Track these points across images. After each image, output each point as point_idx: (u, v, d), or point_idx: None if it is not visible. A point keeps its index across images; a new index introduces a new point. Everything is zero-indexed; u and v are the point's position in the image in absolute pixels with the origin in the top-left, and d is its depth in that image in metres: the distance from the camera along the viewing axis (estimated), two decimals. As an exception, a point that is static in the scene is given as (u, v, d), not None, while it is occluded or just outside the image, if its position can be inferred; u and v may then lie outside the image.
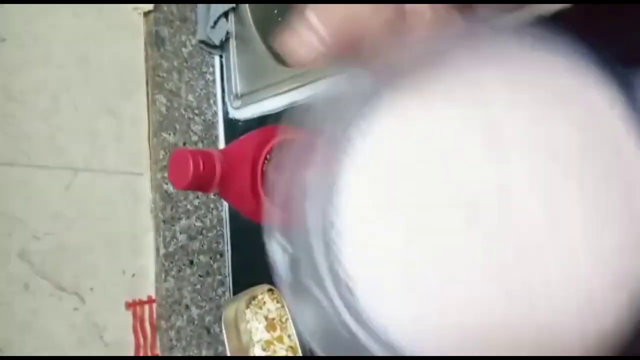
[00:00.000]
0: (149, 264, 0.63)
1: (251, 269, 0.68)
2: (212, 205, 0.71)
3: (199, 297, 0.65)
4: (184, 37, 0.71)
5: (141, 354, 0.60)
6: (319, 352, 0.22)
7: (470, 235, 0.21)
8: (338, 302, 0.22)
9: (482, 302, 0.20)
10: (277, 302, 0.61)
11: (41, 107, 0.59)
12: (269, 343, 0.58)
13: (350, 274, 0.23)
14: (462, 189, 0.21)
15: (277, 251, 0.24)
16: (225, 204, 0.72)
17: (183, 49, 0.71)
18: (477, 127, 0.21)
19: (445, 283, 0.21)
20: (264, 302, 0.61)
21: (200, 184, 0.44)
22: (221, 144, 0.73)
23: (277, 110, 0.65)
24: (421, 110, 0.23)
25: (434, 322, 0.21)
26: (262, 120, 0.67)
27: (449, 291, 0.21)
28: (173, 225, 0.64)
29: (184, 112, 0.69)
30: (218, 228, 0.70)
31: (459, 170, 0.21)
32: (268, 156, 0.50)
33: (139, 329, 0.60)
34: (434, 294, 0.21)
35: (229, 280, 0.70)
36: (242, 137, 0.52)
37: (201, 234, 0.68)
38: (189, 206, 0.67)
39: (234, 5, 0.69)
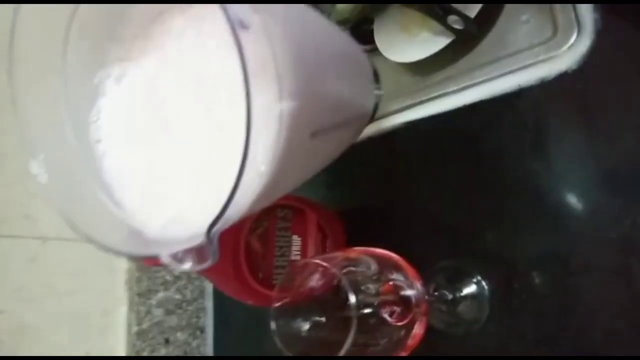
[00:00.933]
0: (119, 344, 0.56)
1: (237, 347, 0.62)
2: (193, 275, 0.65)
3: (174, 382, 0.59)
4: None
5: None
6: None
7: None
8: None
9: None
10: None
11: (15, 171, 0.55)
12: None
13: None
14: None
15: None
16: (209, 273, 0.66)
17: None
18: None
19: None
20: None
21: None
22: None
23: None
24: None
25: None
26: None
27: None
28: (149, 299, 0.59)
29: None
30: (199, 300, 0.65)
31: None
32: (252, 226, 0.46)
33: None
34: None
35: (210, 361, 0.63)
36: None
37: (180, 307, 0.62)
38: (167, 276, 0.62)
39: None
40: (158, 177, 0.29)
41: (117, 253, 0.26)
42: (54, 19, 0.28)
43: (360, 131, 0.41)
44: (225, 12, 0.20)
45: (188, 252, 0.23)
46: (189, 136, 0.27)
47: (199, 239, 0.23)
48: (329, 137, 0.32)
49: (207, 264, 0.23)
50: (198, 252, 0.23)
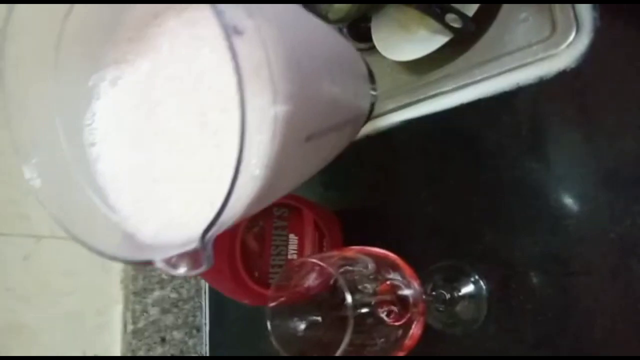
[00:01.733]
0: (114, 343, 0.56)
1: (233, 346, 0.61)
2: (190, 273, 0.65)
3: (170, 381, 0.59)
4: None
5: None
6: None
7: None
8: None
9: None
10: (259, 385, 0.55)
11: (8, 169, 0.54)
12: None
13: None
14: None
15: None
16: (205, 271, 0.66)
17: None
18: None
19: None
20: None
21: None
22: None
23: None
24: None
25: None
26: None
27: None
28: (145, 298, 0.58)
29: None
30: (196, 299, 0.64)
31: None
32: (248, 224, 0.45)
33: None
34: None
35: (207, 360, 0.63)
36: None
37: (176, 306, 0.62)
38: (163, 275, 0.62)
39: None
40: (152, 181, 0.28)
41: (111, 258, 0.26)
42: (48, 21, 0.27)
43: (357, 132, 0.41)
44: (219, 18, 0.20)
45: (182, 257, 0.23)
46: (183, 140, 0.27)
47: (193, 244, 0.22)
48: (324, 140, 0.32)
49: (201, 269, 0.23)
50: (192, 257, 0.23)
